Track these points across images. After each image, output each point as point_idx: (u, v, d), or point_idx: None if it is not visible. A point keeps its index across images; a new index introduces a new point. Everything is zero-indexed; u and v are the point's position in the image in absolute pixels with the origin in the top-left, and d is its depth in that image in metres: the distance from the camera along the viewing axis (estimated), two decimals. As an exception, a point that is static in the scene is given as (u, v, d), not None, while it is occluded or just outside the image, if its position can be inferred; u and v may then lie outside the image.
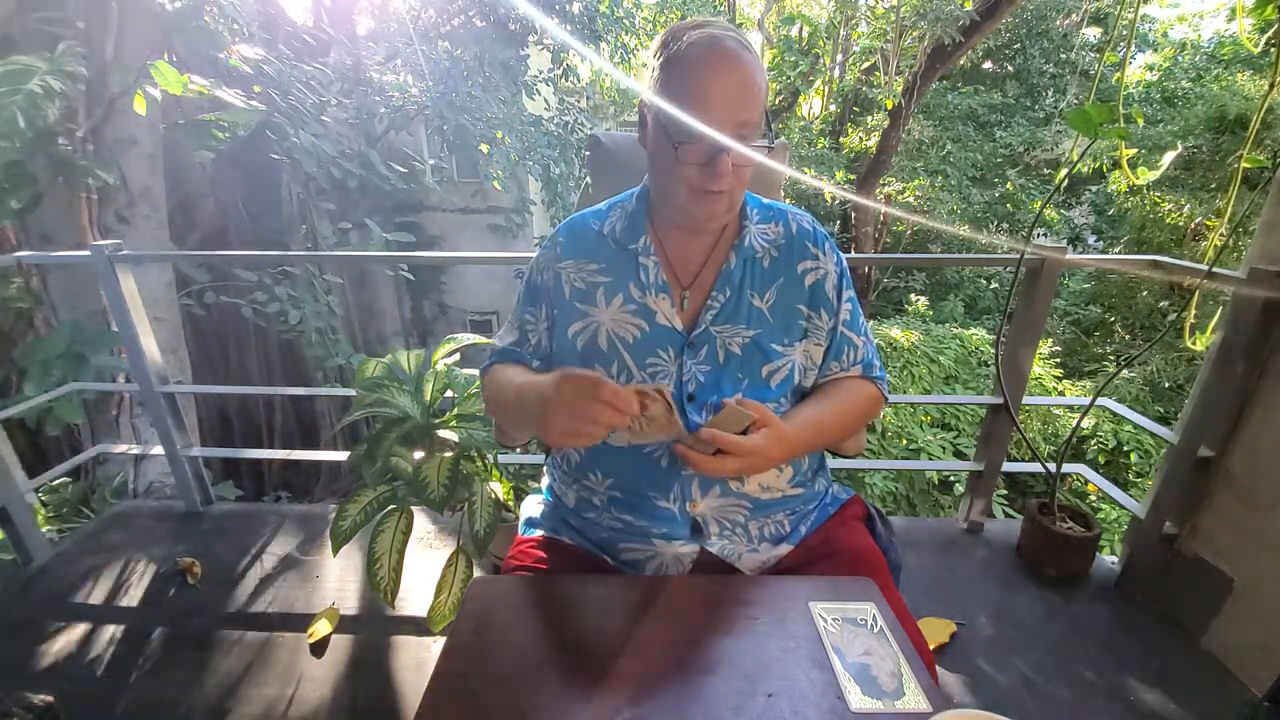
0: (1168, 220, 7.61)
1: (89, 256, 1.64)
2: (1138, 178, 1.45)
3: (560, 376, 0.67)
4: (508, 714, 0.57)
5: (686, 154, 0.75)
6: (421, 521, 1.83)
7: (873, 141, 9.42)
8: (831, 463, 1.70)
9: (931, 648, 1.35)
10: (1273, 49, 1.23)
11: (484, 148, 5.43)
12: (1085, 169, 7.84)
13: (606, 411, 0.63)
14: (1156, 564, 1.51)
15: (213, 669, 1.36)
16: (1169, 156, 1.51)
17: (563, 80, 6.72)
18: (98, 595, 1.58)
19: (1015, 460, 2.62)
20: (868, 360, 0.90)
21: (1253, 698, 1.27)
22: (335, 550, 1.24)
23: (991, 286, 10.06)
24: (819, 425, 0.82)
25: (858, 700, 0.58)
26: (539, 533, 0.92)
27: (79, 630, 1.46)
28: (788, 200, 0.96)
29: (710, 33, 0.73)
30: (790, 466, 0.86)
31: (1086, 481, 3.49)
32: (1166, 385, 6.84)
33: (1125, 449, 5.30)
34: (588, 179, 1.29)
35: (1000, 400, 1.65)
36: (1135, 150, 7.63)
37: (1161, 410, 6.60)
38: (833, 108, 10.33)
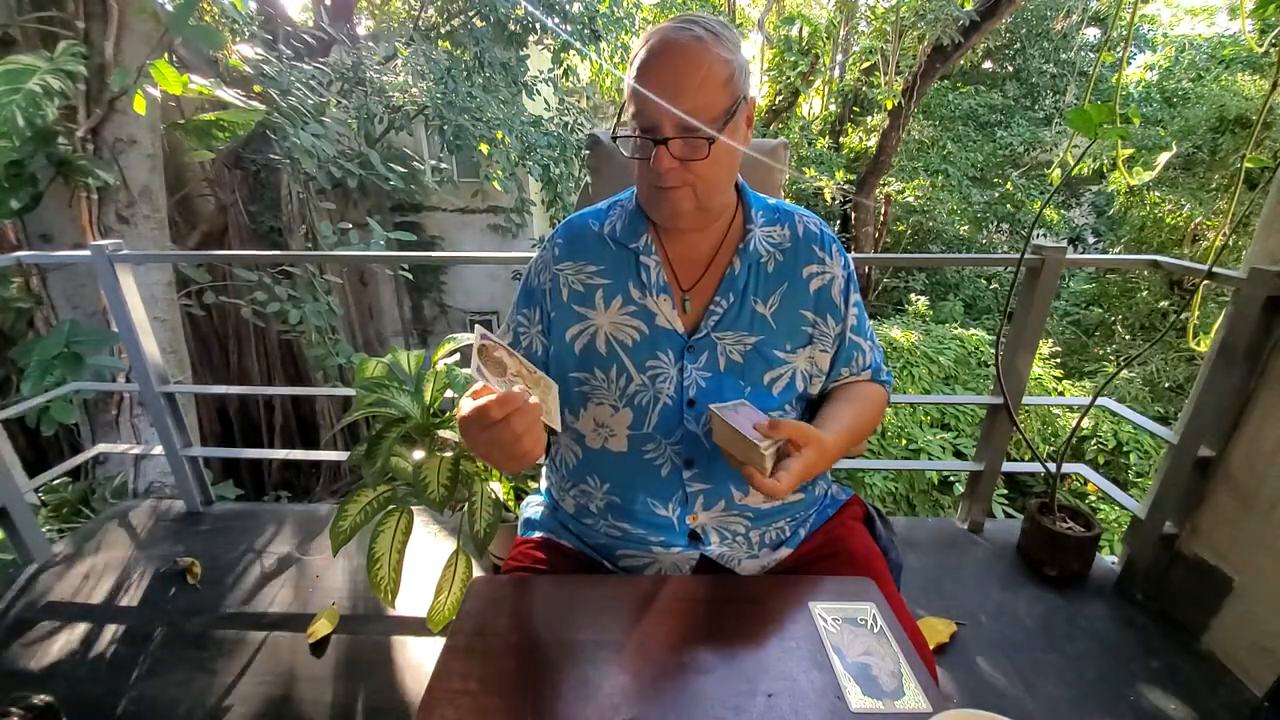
0: (1168, 220, 7.62)
1: (89, 256, 1.64)
2: (1134, 178, 1.45)
3: (460, 423, 0.65)
4: (507, 714, 0.57)
5: (626, 148, 0.75)
6: (421, 521, 1.83)
7: (873, 141, 9.42)
8: (831, 463, 1.69)
9: (931, 648, 1.35)
10: (1274, 49, 1.23)
11: (484, 148, 5.43)
12: (1085, 169, 7.84)
13: (508, 425, 0.61)
14: (1156, 564, 1.51)
15: (213, 669, 1.36)
16: (1164, 157, 1.52)
17: (563, 80, 6.71)
18: (98, 595, 1.58)
19: (1015, 460, 2.62)
20: (876, 364, 0.90)
21: (1253, 698, 1.27)
22: (335, 550, 1.24)
23: (991, 286, 10.06)
24: (852, 432, 0.81)
25: (858, 700, 0.58)
26: (538, 534, 0.92)
27: (79, 630, 1.46)
28: (787, 200, 0.95)
29: (663, 27, 0.73)
30: None
31: (1086, 481, 3.49)
32: (1166, 385, 6.84)
33: (1125, 449, 5.30)
34: (588, 179, 1.29)
35: (1000, 400, 1.65)
36: (1133, 150, 7.63)
37: (1161, 410, 6.61)
38: (833, 108, 10.33)
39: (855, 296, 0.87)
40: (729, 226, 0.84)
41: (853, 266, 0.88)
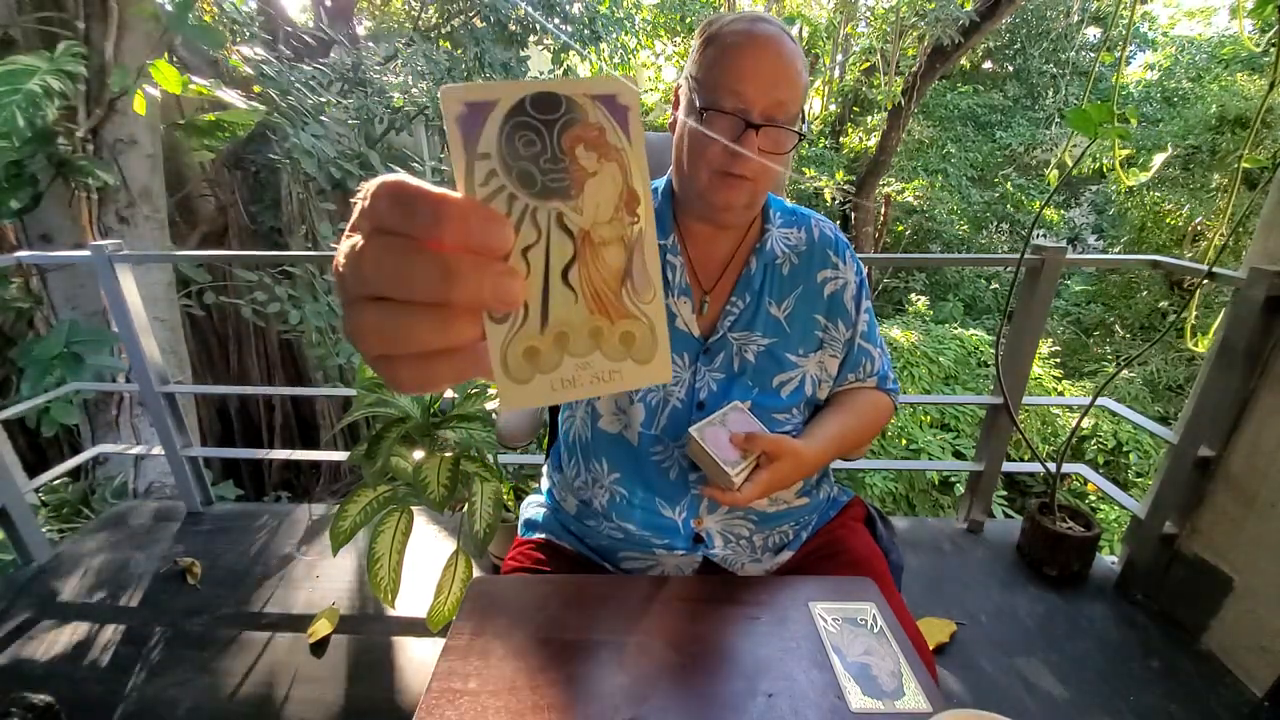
0: (1168, 220, 7.62)
1: (89, 256, 1.64)
2: (1130, 179, 1.46)
3: (359, 215, 0.27)
4: (507, 714, 0.57)
5: (713, 123, 0.70)
6: (421, 521, 1.83)
7: (873, 141, 9.42)
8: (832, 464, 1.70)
9: (931, 648, 1.35)
10: (1273, 49, 1.23)
11: (484, 148, 5.41)
12: (1085, 169, 7.84)
13: (466, 273, 0.24)
14: (1156, 564, 1.51)
15: (213, 669, 1.36)
16: (1159, 158, 1.52)
17: (563, 81, 6.71)
18: (98, 595, 1.58)
19: (1015, 460, 2.62)
20: (883, 372, 0.89)
21: (1253, 698, 1.27)
22: (335, 550, 1.24)
23: (991, 286, 10.05)
24: (840, 440, 0.82)
25: (858, 700, 0.58)
26: (539, 535, 0.92)
27: (79, 630, 1.46)
28: (787, 200, 0.95)
29: (755, 15, 0.72)
30: None
31: (1086, 481, 3.49)
32: (1166, 385, 6.84)
33: (1125, 449, 5.30)
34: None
35: (1000, 400, 1.65)
36: (1131, 150, 7.63)
37: (1161, 410, 6.60)
38: (833, 108, 10.33)
39: (867, 303, 0.87)
40: (749, 226, 0.84)
41: (865, 274, 0.87)
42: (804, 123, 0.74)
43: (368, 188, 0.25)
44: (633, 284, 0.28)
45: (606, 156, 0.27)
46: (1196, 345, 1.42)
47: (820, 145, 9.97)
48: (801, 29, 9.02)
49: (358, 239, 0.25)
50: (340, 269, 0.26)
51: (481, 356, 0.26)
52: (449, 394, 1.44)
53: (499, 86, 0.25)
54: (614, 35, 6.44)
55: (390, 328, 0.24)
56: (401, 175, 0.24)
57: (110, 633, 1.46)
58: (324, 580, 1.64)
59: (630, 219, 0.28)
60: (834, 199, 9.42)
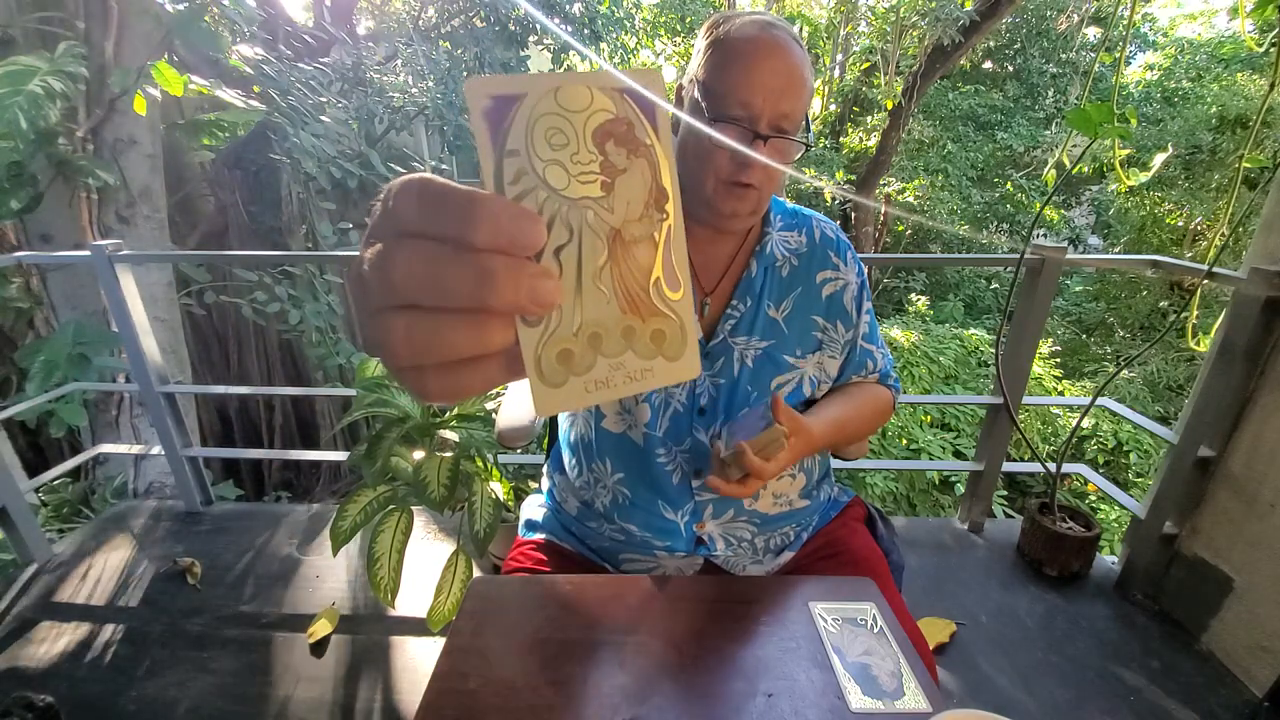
0: (1168, 220, 7.62)
1: (89, 256, 1.64)
2: (1130, 179, 1.46)
3: (383, 210, 0.24)
4: (507, 714, 0.57)
5: (720, 133, 0.69)
6: (421, 521, 1.83)
7: (873, 141, 9.43)
8: (832, 463, 1.71)
9: (931, 648, 1.35)
10: (1273, 49, 1.23)
11: (484, 148, 5.41)
12: (1085, 169, 7.84)
13: (501, 274, 0.22)
14: (1156, 564, 1.51)
15: (213, 669, 1.36)
16: (1159, 158, 1.52)
17: (563, 81, 6.71)
18: (98, 595, 1.58)
19: (1015, 460, 2.62)
20: (885, 370, 0.90)
21: (1253, 698, 1.27)
22: (335, 550, 1.24)
23: (991, 286, 10.05)
24: (843, 425, 0.81)
25: (858, 700, 0.58)
26: (539, 536, 0.92)
27: (79, 630, 1.46)
28: (788, 201, 0.95)
29: (764, 19, 0.71)
30: (802, 475, 0.85)
31: (1086, 481, 3.49)
32: (1166, 385, 6.84)
33: (1125, 449, 5.30)
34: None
35: (1000, 400, 1.65)
36: (1130, 150, 7.63)
37: (1161, 410, 6.60)
38: (833, 108, 10.33)
39: (868, 304, 0.87)
40: (749, 229, 0.84)
41: (866, 275, 0.87)
42: (808, 129, 0.74)
43: (390, 188, 0.24)
44: (663, 281, 0.28)
45: (635, 152, 0.27)
46: (1197, 345, 1.42)
47: (820, 145, 9.97)
48: (801, 29, 9.03)
49: (380, 245, 0.23)
50: (364, 278, 0.24)
51: (512, 361, 0.25)
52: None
53: (526, 79, 0.25)
54: (614, 35, 6.44)
55: (422, 337, 0.23)
56: (425, 174, 0.23)
57: (110, 633, 1.46)
58: (324, 580, 1.64)
59: (660, 215, 0.28)
60: (834, 199, 9.43)
